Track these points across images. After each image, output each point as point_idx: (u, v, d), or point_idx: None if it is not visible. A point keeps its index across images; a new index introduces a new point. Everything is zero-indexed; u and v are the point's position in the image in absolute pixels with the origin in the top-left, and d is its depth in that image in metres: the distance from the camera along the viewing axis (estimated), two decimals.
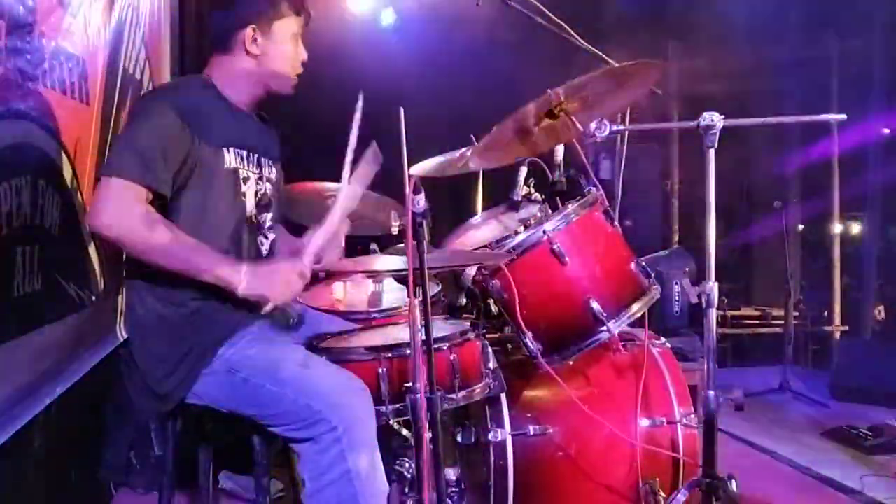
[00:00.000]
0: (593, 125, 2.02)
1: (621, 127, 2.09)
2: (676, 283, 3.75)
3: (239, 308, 1.85)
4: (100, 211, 1.70)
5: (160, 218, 1.73)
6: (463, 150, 2.18)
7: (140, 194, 1.71)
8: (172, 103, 1.78)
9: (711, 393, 1.96)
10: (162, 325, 1.82)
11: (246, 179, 1.92)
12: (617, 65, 1.80)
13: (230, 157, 1.87)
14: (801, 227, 5.77)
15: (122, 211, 1.69)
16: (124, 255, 1.90)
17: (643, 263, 2.20)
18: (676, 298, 3.90)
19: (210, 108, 1.87)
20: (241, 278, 1.74)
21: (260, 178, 1.97)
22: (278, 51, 1.94)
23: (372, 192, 2.30)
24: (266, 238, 2.00)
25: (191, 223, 1.80)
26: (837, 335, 5.38)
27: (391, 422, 1.83)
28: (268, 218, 1.99)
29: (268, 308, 1.78)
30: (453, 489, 2.25)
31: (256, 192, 1.95)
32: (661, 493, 2.14)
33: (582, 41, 2.19)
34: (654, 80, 1.98)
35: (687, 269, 3.63)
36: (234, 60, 1.93)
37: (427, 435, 1.52)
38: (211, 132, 1.83)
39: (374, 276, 2.52)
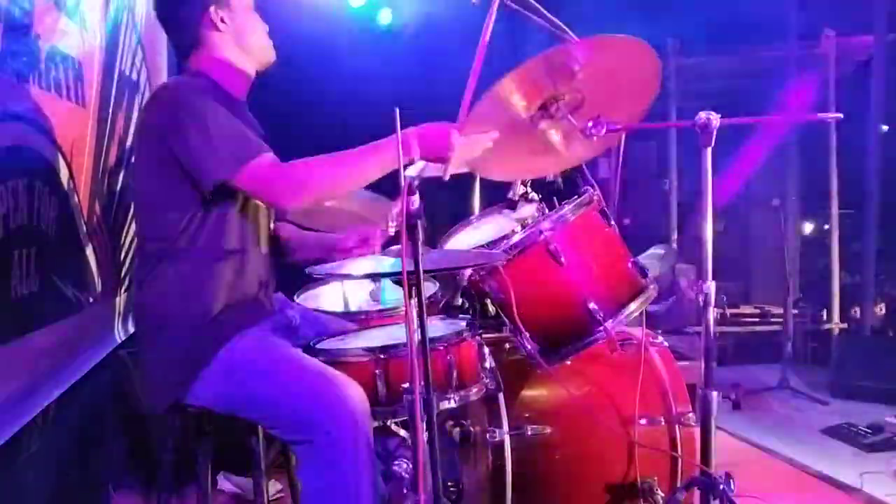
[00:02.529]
0: (590, 123, 2.01)
1: (618, 126, 2.08)
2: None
3: (239, 309, 1.86)
4: (276, 195, 1.79)
5: (298, 161, 1.78)
6: None
7: (271, 158, 1.77)
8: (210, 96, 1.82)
9: (709, 391, 1.96)
10: (166, 323, 1.83)
11: None
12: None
13: None
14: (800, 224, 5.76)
15: (282, 180, 1.76)
16: (134, 254, 1.90)
17: (640, 262, 2.19)
18: None
19: (225, 104, 1.85)
20: (412, 141, 1.78)
21: None
22: (245, 21, 1.95)
23: (367, 191, 2.30)
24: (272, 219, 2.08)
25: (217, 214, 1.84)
26: (837, 333, 5.37)
27: (388, 422, 1.83)
28: None
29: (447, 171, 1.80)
30: (451, 489, 2.26)
31: None
32: (660, 491, 2.14)
33: (580, 39, 2.19)
34: (653, 78, 1.98)
35: (675, 266, 3.62)
36: (213, 48, 1.92)
37: (424, 435, 1.52)
38: None
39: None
